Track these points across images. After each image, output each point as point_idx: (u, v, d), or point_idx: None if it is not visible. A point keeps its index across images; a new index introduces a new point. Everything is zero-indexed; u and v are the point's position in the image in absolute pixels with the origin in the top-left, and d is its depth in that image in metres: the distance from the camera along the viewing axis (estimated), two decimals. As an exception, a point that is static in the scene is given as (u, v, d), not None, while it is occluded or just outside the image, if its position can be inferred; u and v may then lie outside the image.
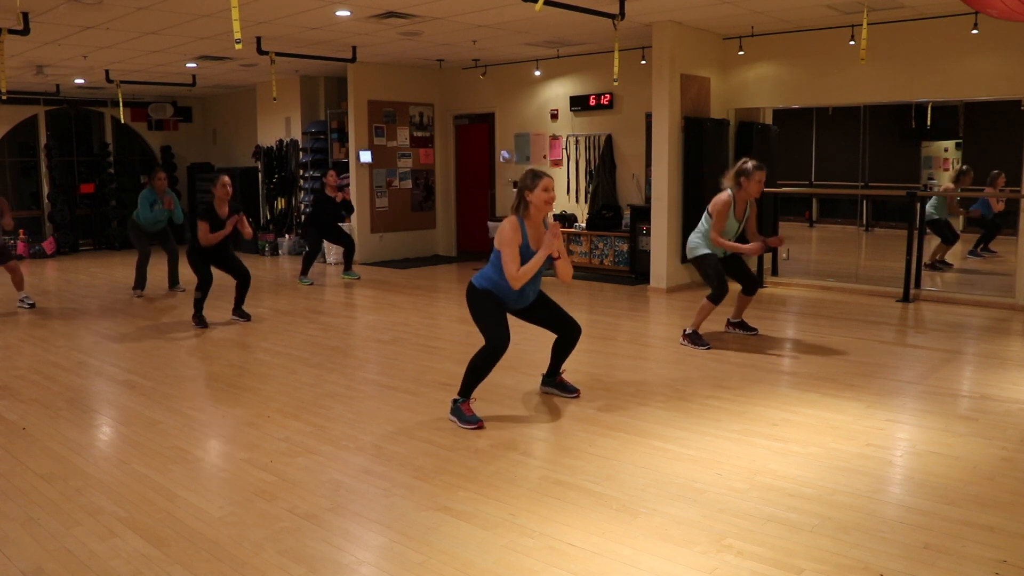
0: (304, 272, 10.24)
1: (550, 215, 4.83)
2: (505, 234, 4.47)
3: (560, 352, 5.01)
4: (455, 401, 4.63)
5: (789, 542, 3.10)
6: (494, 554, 3.05)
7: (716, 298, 6.29)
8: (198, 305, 7.56)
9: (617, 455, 4.07)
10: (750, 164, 6.22)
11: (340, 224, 10.53)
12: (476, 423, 4.50)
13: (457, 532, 3.24)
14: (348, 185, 11.73)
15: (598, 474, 3.82)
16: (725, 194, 6.22)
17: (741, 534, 3.18)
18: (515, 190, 4.66)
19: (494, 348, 4.50)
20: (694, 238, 6.43)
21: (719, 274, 6.30)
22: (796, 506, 3.43)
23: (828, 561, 2.95)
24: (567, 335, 4.92)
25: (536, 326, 4.99)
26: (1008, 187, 9.34)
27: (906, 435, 4.34)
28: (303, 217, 10.73)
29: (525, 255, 4.50)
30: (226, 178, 7.35)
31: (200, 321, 7.54)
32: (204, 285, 7.50)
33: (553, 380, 5.13)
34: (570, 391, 5.08)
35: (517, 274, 4.45)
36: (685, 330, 6.52)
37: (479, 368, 4.54)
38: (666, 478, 3.76)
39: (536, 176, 4.51)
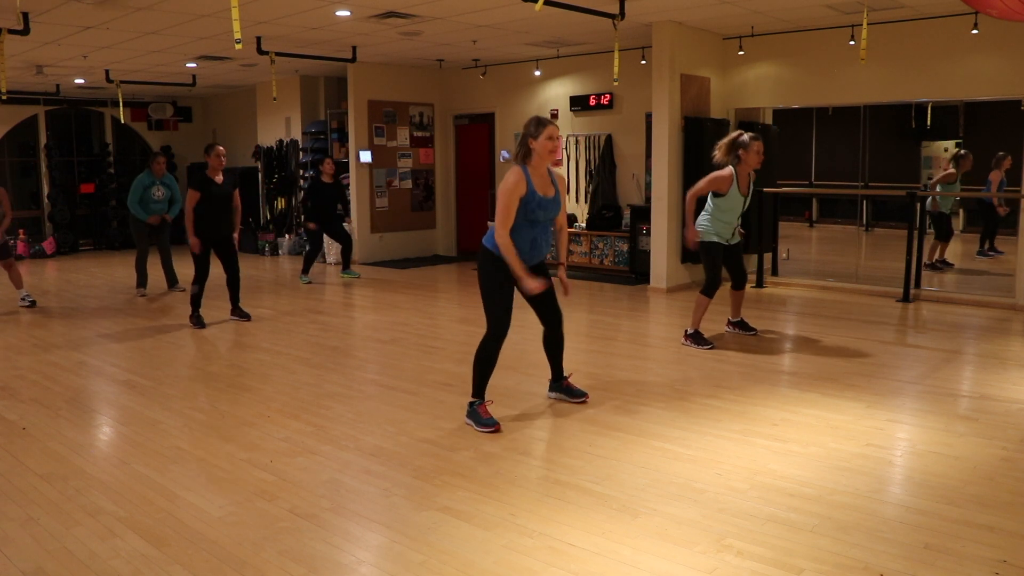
0: (305, 271, 10.25)
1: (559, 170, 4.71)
2: (507, 184, 4.27)
3: (553, 352, 4.92)
4: (471, 403, 4.57)
5: (789, 542, 3.10)
6: (494, 554, 3.05)
7: (709, 290, 6.31)
8: (195, 301, 7.46)
9: (617, 455, 4.07)
10: (746, 136, 6.09)
11: (340, 217, 10.50)
12: (493, 427, 4.44)
13: (457, 532, 3.24)
14: (347, 185, 11.74)
15: (598, 474, 3.82)
16: (727, 170, 6.09)
17: (741, 534, 3.18)
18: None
19: (495, 336, 4.45)
20: (703, 221, 6.31)
21: (716, 267, 6.30)
22: (796, 506, 3.43)
23: (828, 561, 2.95)
24: (551, 325, 4.77)
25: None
26: (1008, 187, 9.34)
27: (906, 435, 4.34)
28: (302, 217, 10.74)
29: (532, 202, 4.32)
30: (220, 148, 7.36)
31: (198, 321, 7.45)
32: (201, 277, 7.40)
33: (560, 385, 5.03)
34: (577, 395, 4.98)
35: (505, 237, 4.27)
36: (687, 330, 6.51)
37: (485, 360, 4.51)
38: (666, 478, 3.76)
39: (540, 123, 4.33)
